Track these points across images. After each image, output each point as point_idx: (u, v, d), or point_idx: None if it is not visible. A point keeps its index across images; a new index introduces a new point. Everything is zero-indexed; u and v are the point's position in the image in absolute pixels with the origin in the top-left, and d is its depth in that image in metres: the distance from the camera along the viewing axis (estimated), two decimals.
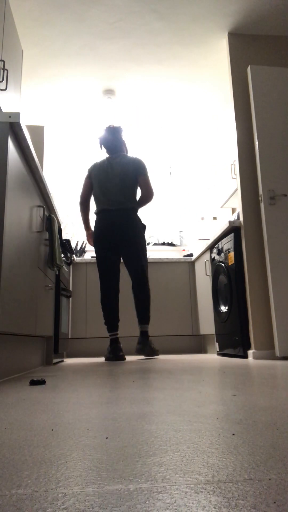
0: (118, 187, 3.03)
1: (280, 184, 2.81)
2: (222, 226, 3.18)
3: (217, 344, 3.38)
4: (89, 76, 3.78)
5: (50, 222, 2.41)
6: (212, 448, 0.53)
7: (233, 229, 3.04)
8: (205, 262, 3.70)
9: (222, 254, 3.24)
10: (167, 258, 4.18)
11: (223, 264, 3.16)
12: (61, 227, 4.78)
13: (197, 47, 3.44)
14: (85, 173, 5.23)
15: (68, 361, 3.17)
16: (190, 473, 0.44)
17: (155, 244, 5.03)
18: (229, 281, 3.01)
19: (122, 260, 3.99)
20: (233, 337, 2.96)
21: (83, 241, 4.73)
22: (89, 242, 3.23)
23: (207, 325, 3.70)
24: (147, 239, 5.01)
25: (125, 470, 0.46)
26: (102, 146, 3.22)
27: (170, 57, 3.56)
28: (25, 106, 4.19)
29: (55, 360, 2.73)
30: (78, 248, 4.82)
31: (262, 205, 2.78)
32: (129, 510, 0.35)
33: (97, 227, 3.03)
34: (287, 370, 1.72)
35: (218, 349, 3.36)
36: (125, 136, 3.29)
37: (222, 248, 3.26)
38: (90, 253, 4.90)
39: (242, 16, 3.12)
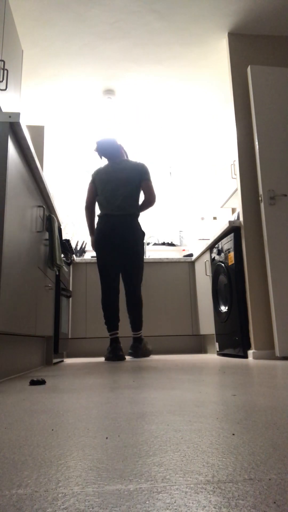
0: (121, 192, 3.08)
1: (280, 184, 2.81)
2: (222, 226, 3.18)
3: (217, 344, 3.38)
4: (89, 76, 3.78)
5: (50, 222, 2.41)
6: (212, 448, 0.53)
7: (233, 229, 3.04)
8: (205, 262, 3.70)
9: (222, 254, 3.24)
10: (167, 258, 4.18)
11: (223, 264, 3.16)
12: (61, 227, 4.78)
13: (197, 47, 3.44)
14: (84, 174, 5.23)
15: (68, 361, 3.17)
16: (190, 473, 0.44)
17: (155, 244, 5.03)
18: (229, 281, 3.01)
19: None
20: (233, 337, 2.96)
21: (83, 241, 4.73)
22: (93, 248, 3.24)
23: (207, 325, 3.70)
24: (147, 239, 5.01)
25: (125, 470, 0.46)
26: (102, 156, 3.27)
27: (170, 57, 3.56)
28: (25, 106, 4.19)
29: (55, 360, 2.73)
30: (78, 248, 4.82)
31: (262, 205, 2.78)
32: (129, 510, 0.35)
33: (98, 231, 3.08)
34: (287, 370, 1.72)
35: (218, 349, 3.36)
36: (120, 141, 3.30)
37: (222, 248, 3.27)
38: (90, 253, 4.90)
39: (242, 16, 3.13)
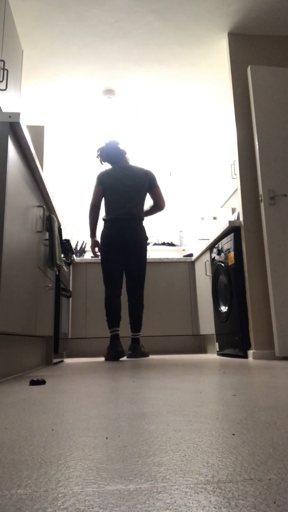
0: (130, 198, 3.18)
1: (280, 184, 2.81)
2: (222, 226, 3.18)
3: (217, 344, 3.38)
4: (89, 76, 3.78)
5: (50, 222, 2.41)
6: (212, 448, 0.53)
7: (233, 229, 3.04)
8: (205, 262, 3.70)
9: (222, 254, 3.24)
10: (167, 258, 4.18)
11: (223, 264, 3.16)
12: (61, 227, 4.78)
13: (197, 47, 3.44)
14: (84, 174, 5.23)
15: (68, 361, 3.17)
16: (190, 473, 0.44)
17: (155, 244, 5.03)
18: (229, 281, 3.01)
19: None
20: (233, 337, 2.96)
21: (83, 241, 4.74)
22: (92, 250, 3.33)
23: (207, 325, 3.70)
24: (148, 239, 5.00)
25: (125, 470, 0.46)
26: (104, 161, 3.36)
27: (170, 57, 3.56)
28: (25, 106, 4.19)
29: (55, 360, 2.73)
30: (78, 248, 4.82)
31: (262, 205, 2.78)
32: (129, 510, 0.35)
33: (106, 233, 3.16)
34: (287, 370, 1.72)
35: (218, 349, 3.36)
36: (122, 145, 3.35)
37: (222, 248, 3.27)
38: (90, 253, 4.89)
39: (242, 16, 3.13)
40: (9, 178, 1.53)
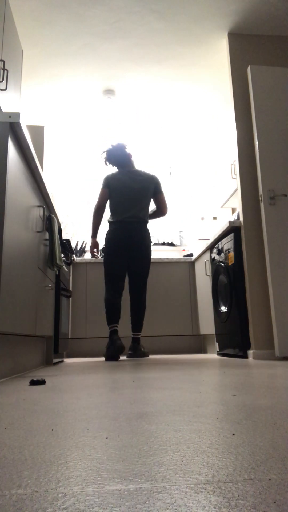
0: (136, 202, 3.25)
1: (280, 184, 2.81)
2: (222, 226, 3.18)
3: (217, 344, 3.38)
4: (89, 76, 3.78)
5: (50, 222, 2.41)
6: (212, 448, 0.53)
7: (233, 229, 3.04)
8: (205, 262, 3.70)
9: (222, 254, 3.24)
10: (167, 258, 4.18)
11: (223, 264, 3.17)
12: (61, 227, 4.78)
13: (197, 47, 3.44)
14: (84, 174, 5.23)
15: (68, 361, 3.17)
16: (190, 473, 0.44)
17: (155, 244, 5.03)
18: (229, 281, 3.01)
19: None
20: (233, 337, 2.96)
21: (83, 241, 4.74)
22: (91, 251, 3.37)
23: (207, 325, 3.70)
24: None
25: (125, 470, 0.46)
26: (110, 163, 3.41)
27: (170, 57, 3.56)
28: (25, 106, 4.19)
29: (55, 360, 2.73)
30: (78, 248, 4.82)
31: (262, 205, 2.78)
32: (129, 510, 0.35)
33: (111, 235, 3.21)
34: (287, 370, 1.72)
35: (218, 349, 3.36)
36: (129, 149, 3.40)
37: (222, 248, 3.27)
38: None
39: (242, 16, 3.12)
40: (9, 178, 1.53)
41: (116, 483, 0.41)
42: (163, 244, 5.02)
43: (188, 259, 4.22)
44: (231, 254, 3.02)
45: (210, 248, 3.62)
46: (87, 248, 4.91)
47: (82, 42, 3.35)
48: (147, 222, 3.29)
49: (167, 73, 3.76)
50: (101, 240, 4.87)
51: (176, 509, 0.35)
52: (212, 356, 3.36)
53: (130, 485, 0.41)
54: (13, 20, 2.60)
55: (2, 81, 2.25)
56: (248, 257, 2.87)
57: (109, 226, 3.27)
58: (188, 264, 4.21)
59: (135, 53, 3.50)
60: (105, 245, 3.26)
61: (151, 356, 3.52)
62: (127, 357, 3.23)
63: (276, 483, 0.40)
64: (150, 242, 3.29)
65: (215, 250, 3.45)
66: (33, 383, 1.37)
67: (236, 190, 3.96)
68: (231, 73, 3.23)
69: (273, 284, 2.63)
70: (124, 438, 0.60)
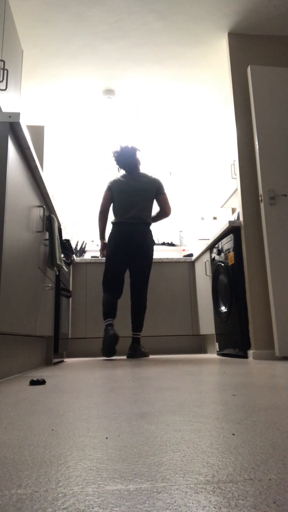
0: (137, 203, 3.30)
1: (280, 184, 2.81)
2: (222, 226, 3.18)
3: (217, 344, 3.38)
4: (89, 76, 3.78)
5: (50, 222, 2.41)
6: (212, 448, 0.53)
7: (233, 229, 3.04)
8: (205, 262, 3.70)
9: (222, 254, 3.24)
10: (167, 258, 4.18)
11: (223, 264, 3.16)
12: (61, 227, 4.78)
13: (197, 47, 3.44)
14: (85, 174, 5.24)
15: (68, 361, 3.17)
16: (190, 473, 0.44)
17: (155, 244, 5.03)
18: (229, 281, 3.01)
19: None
20: (233, 337, 2.96)
21: (83, 241, 4.74)
22: (101, 252, 3.46)
23: (207, 325, 3.70)
24: None
25: (125, 470, 0.46)
26: (117, 164, 3.46)
27: (170, 57, 3.56)
28: (25, 106, 4.19)
29: (55, 360, 2.73)
30: (78, 248, 4.82)
31: (262, 205, 2.78)
32: (129, 510, 0.35)
33: (113, 236, 3.28)
34: (287, 370, 1.72)
35: (218, 349, 3.36)
36: (139, 154, 3.44)
37: (222, 248, 3.27)
38: (90, 253, 4.90)
39: (242, 16, 3.12)
40: (9, 178, 1.53)
41: (116, 483, 0.41)
42: (163, 244, 5.02)
43: (188, 259, 4.22)
44: (231, 254, 3.02)
45: (210, 248, 3.62)
46: (87, 248, 4.92)
47: (82, 42, 3.35)
48: (149, 223, 3.32)
49: (167, 73, 3.76)
50: None
51: (176, 509, 0.35)
52: (212, 356, 3.36)
53: (130, 485, 0.41)
54: (13, 20, 2.60)
55: (2, 81, 2.25)
56: (248, 257, 2.87)
57: (111, 227, 3.35)
58: (188, 264, 4.21)
59: (135, 53, 3.50)
60: (107, 246, 3.34)
61: (151, 356, 3.53)
62: (127, 357, 3.23)
63: (276, 483, 0.40)
64: (152, 242, 3.31)
65: (215, 250, 3.45)
66: (33, 383, 1.37)
67: (236, 190, 3.95)
68: (231, 73, 3.23)
69: (273, 284, 2.63)
70: (124, 438, 0.60)
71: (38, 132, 3.40)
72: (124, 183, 3.35)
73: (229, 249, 3.09)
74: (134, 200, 3.29)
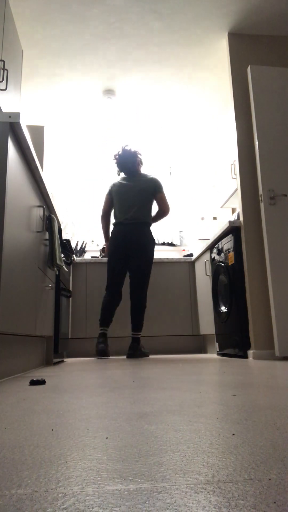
0: (135, 204, 3.34)
1: (280, 184, 2.81)
2: (222, 226, 3.18)
3: (217, 344, 3.38)
4: (89, 76, 3.78)
5: (50, 222, 2.41)
6: (212, 448, 0.53)
7: (233, 229, 3.04)
8: (205, 262, 3.70)
9: (222, 254, 3.24)
10: (167, 258, 4.18)
11: (223, 264, 3.16)
12: (61, 227, 4.78)
13: (197, 47, 3.44)
14: (85, 174, 5.24)
15: (68, 361, 3.17)
16: (190, 473, 0.44)
17: (156, 243, 5.03)
18: (229, 281, 3.01)
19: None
20: (233, 337, 2.96)
21: (83, 241, 4.74)
22: (106, 253, 3.59)
23: (207, 325, 3.70)
24: None
25: (125, 470, 0.46)
26: (118, 167, 3.51)
27: (170, 57, 3.56)
28: (25, 106, 4.19)
29: (55, 360, 2.73)
30: (78, 248, 4.82)
31: (262, 205, 2.78)
32: (129, 510, 0.35)
33: (112, 237, 3.37)
34: (287, 370, 1.72)
35: (218, 349, 3.36)
36: (140, 156, 3.51)
37: (222, 248, 3.26)
38: (90, 253, 4.90)
39: (242, 16, 3.12)
40: (9, 178, 1.53)
41: (116, 483, 0.41)
42: (163, 244, 5.02)
43: (188, 259, 4.22)
44: (231, 254, 3.02)
45: (210, 248, 3.62)
46: (87, 248, 4.92)
47: (82, 42, 3.35)
48: (148, 222, 3.35)
49: (167, 73, 3.76)
50: None
51: (176, 509, 0.35)
52: (212, 356, 3.36)
53: (130, 485, 0.41)
54: (13, 20, 2.60)
55: (2, 81, 2.25)
56: (248, 257, 2.87)
57: (112, 229, 3.43)
58: (188, 264, 4.21)
59: (135, 53, 3.50)
60: (108, 246, 3.41)
61: (151, 356, 3.53)
62: (127, 357, 3.24)
63: (276, 483, 0.40)
64: (151, 241, 3.33)
65: (215, 250, 3.45)
66: (33, 383, 1.37)
67: (236, 190, 3.95)
68: (231, 73, 3.23)
69: (273, 284, 2.63)
70: (124, 438, 0.60)
71: (38, 132, 3.40)
72: (123, 185, 3.41)
73: (229, 249, 3.09)
74: (132, 200, 3.34)
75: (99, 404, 0.92)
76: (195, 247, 5.04)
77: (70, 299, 3.93)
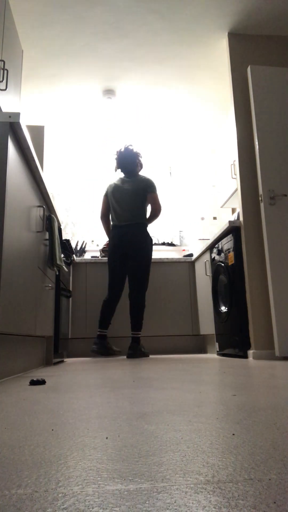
0: (128, 205, 3.38)
1: (280, 184, 2.81)
2: (222, 226, 3.18)
3: (217, 344, 3.38)
4: (89, 76, 3.77)
5: (50, 222, 2.41)
6: (212, 448, 0.53)
7: (233, 229, 3.04)
8: (205, 262, 3.70)
9: (222, 254, 3.24)
10: (167, 258, 4.18)
11: (223, 264, 3.16)
12: (61, 227, 4.78)
13: (197, 47, 3.44)
14: (85, 174, 5.24)
15: (68, 361, 3.17)
16: (190, 473, 0.44)
17: (155, 244, 5.03)
18: (229, 281, 3.01)
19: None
20: (233, 337, 2.96)
21: (83, 241, 4.74)
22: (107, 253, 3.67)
23: (207, 325, 3.70)
24: None
25: (125, 470, 0.46)
26: (119, 170, 3.56)
27: (170, 57, 3.56)
28: (25, 106, 4.19)
29: (55, 360, 2.73)
30: (78, 248, 4.82)
31: (262, 205, 2.78)
32: (129, 510, 0.35)
33: (110, 240, 3.45)
34: (287, 370, 1.72)
35: (218, 349, 3.36)
36: (140, 157, 3.54)
37: (222, 248, 3.26)
38: (90, 253, 4.90)
39: (242, 16, 3.12)
40: (9, 178, 1.53)
41: (116, 483, 0.41)
42: (163, 244, 5.02)
43: (188, 259, 4.22)
44: (231, 254, 3.02)
45: (210, 248, 3.62)
46: (88, 248, 4.92)
47: (82, 42, 3.35)
48: (143, 223, 3.38)
49: (167, 73, 3.76)
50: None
51: (176, 509, 0.35)
52: (212, 356, 3.36)
53: (130, 485, 0.41)
54: (13, 20, 2.60)
55: (2, 81, 2.25)
56: (248, 257, 2.87)
57: (110, 232, 3.50)
58: (188, 264, 4.21)
59: (135, 53, 3.50)
60: (108, 249, 3.49)
61: (151, 356, 3.53)
62: (127, 357, 3.24)
63: (276, 483, 0.40)
64: (148, 241, 3.35)
65: (215, 250, 3.45)
66: (33, 383, 1.37)
67: (236, 190, 3.95)
68: (231, 73, 3.22)
69: (273, 284, 2.63)
70: (124, 438, 0.60)
71: (38, 132, 3.40)
72: (118, 187, 3.44)
73: (229, 249, 3.09)
74: (126, 202, 3.38)
75: (99, 404, 0.92)
76: (195, 247, 5.03)
77: (70, 299, 3.93)
